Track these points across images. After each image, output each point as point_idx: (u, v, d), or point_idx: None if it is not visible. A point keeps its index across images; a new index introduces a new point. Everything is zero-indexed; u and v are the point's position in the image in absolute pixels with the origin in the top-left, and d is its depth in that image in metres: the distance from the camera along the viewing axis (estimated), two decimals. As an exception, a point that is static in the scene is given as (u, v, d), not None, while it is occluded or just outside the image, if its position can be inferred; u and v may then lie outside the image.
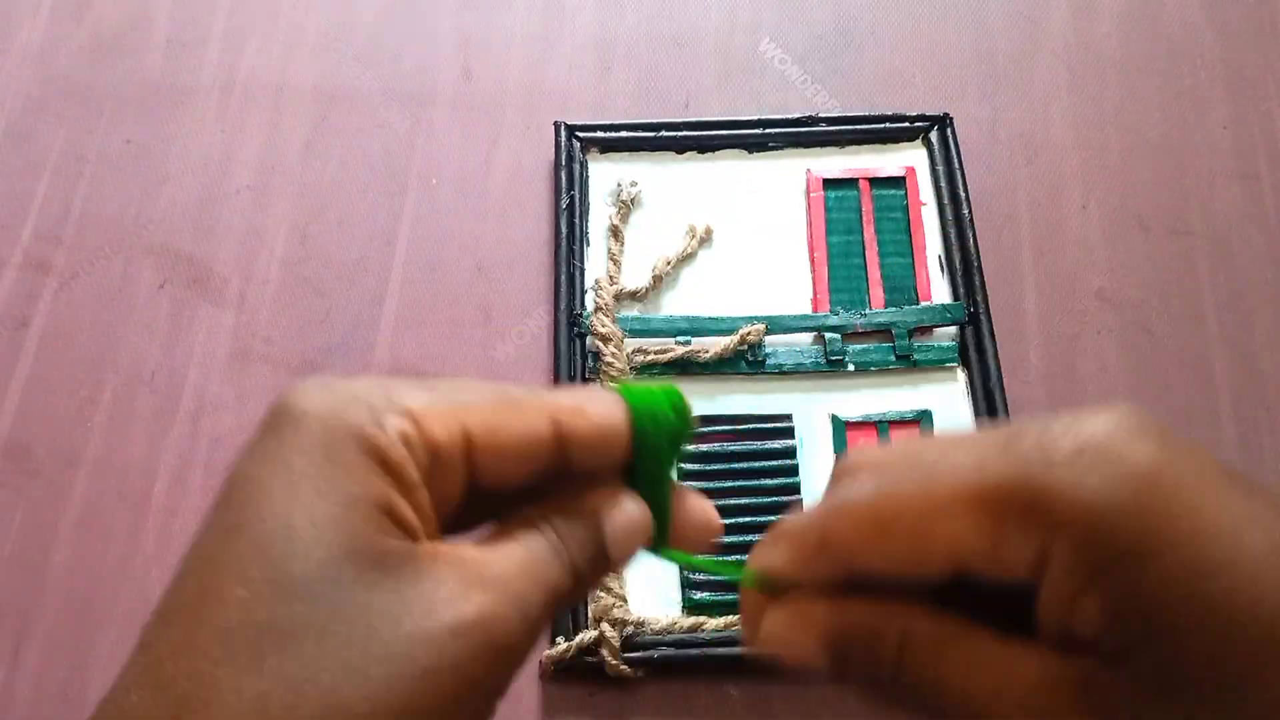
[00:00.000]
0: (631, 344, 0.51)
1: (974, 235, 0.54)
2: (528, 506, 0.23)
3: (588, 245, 0.54)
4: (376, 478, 0.20)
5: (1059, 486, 0.19)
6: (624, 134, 0.57)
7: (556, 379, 0.51)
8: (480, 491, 0.23)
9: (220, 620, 0.19)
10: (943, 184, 0.56)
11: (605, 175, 0.56)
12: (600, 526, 0.23)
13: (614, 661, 0.45)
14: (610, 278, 0.53)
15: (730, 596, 0.46)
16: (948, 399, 0.51)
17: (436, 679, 0.19)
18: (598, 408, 0.23)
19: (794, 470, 0.49)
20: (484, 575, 0.21)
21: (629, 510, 0.24)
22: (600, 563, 0.24)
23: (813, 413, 0.51)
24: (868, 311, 0.53)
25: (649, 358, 0.51)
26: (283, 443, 0.20)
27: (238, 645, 0.18)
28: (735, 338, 0.51)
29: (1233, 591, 0.18)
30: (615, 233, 0.54)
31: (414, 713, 0.19)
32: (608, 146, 0.57)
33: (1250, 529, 0.18)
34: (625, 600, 0.46)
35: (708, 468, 0.49)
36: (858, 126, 0.57)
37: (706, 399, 0.51)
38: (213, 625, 0.19)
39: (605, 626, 0.45)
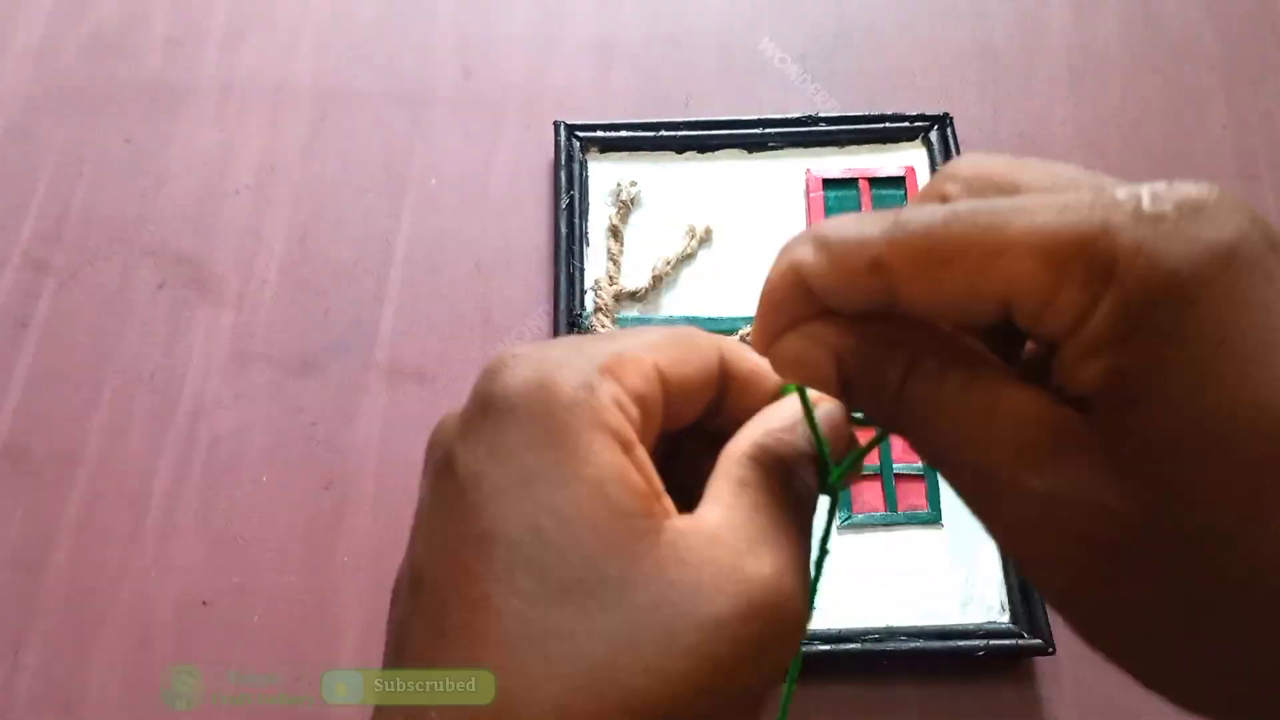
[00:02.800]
0: (631, 344, 0.51)
1: (974, 235, 0.54)
2: (732, 454, 0.22)
3: (587, 245, 0.54)
4: (606, 451, 0.19)
5: (1137, 243, 0.18)
6: (624, 134, 0.57)
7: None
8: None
9: (501, 634, 0.18)
10: (942, 184, 0.55)
11: (605, 175, 0.56)
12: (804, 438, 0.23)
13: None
14: (610, 278, 0.53)
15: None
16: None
17: (717, 663, 0.18)
18: (754, 353, 0.24)
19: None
20: (748, 541, 0.20)
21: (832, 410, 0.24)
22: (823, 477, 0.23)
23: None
24: (867, 312, 0.53)
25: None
26: (504, 434, 0.20)
27: (525, 653, 0.18)
28: (735, 338, 0.51)
29: (1239, 404, 0.17)
30: (615, 233, 0.54)
31: (706, 695, 0.18)
32: (607, 146, 0.57)
33: None
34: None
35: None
36: (857, 126, 0.57)
37: (706, 399, 0.51)
38: (496, 639, 0.18)
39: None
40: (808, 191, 0.56)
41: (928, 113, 0.57)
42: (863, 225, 0.20)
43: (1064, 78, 0.60)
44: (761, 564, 0.20)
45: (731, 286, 0.54)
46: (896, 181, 0.56)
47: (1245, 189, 0.57)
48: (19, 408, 0.52)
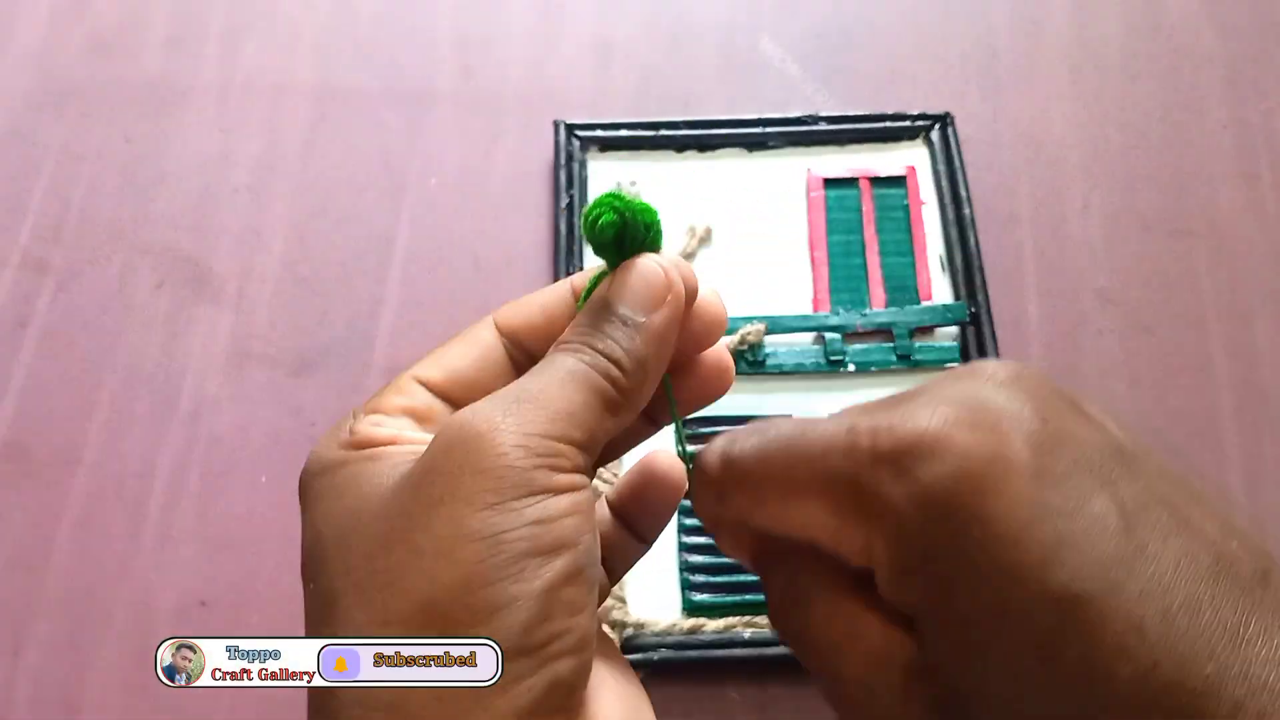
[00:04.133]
0: (631, 344, 0.51)
1: (975, 235, 0.54)
2: None
3: (587, 245, 0.54)
4: (350, 463, 0.24)
5: (876, 488, 0.20)
6: (623, 133, 0.57)
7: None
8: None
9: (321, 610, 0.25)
10: (944, 183, 0.55)
11: (605, 174, 0.56)
12: (610, 304, 0.25)
13: (613, 662, 0.45)
14: (610, 277, 0.53)
15: (730, 599, 0.46)
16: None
17: (421, 498, 0.22)
18: (540, 298, 0.28)
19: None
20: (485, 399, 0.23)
21: (640, 264, 0.25)
22: (631, 336, 0.24)
23: (813, 413, 0.51)
24: (868, 311, 0.53)
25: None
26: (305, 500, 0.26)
27: (351, 575, 0.24)
28: (735, 338, 0.51)
29: (1002, 591, 0.19)
30: (615, 232, 0.54)
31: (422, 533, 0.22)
32: (607, 145, 0.57)
33: (1037, 526, 0.19)
34: (625, 602, 0.46)
35: (707, 468, 0.49)
36: (858, 125, 0.57)
37: (706, 399, 0.51)
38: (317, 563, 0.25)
39: (605, 628, 0.45)
40: (808, 191, 0.56)
41: (929, 112, 0.57)
42: (711, 457, 0.25)
43: (1064, 77, 0.60)
44: (473, 411, 0.22)
45: (731, 286, 0.54)
46: (897, 181, 0.56)
47: (1245, 189, 0.57)
48: (19, 408, 0.52)
